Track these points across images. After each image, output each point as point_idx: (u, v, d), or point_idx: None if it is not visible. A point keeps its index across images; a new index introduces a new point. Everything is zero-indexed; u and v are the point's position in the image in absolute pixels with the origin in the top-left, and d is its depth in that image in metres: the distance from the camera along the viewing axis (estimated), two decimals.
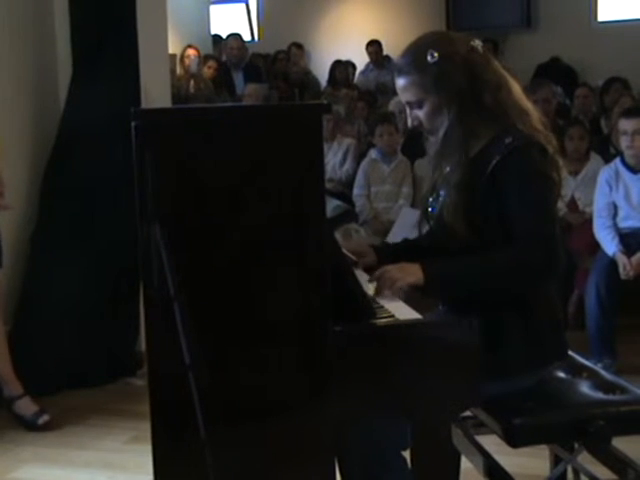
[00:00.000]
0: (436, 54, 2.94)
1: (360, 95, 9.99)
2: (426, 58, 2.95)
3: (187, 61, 10.48)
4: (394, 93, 9.14)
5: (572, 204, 6.38)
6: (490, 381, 2.81)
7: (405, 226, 6.51)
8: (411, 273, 2.92)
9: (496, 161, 2.90)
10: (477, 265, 2.93)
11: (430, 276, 2.91)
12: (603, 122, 8.66)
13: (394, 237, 6.73)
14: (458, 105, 2.95)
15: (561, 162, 3.05)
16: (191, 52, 10.55)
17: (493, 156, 2.91)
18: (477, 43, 3.03)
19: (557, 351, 3.13)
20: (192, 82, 10.23)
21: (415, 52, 3.01)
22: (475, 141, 3.00)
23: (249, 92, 9.47)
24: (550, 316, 3.07)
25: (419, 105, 3.02)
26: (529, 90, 7.34)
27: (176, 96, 8.59)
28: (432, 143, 3.12)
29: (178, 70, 10.60)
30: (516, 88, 3.07)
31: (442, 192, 3.06)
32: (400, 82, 3.05)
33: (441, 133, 3.01)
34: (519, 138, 2.92)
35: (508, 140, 2.92)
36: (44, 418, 5.01)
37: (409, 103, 3.05)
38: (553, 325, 3.08)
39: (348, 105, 9.56)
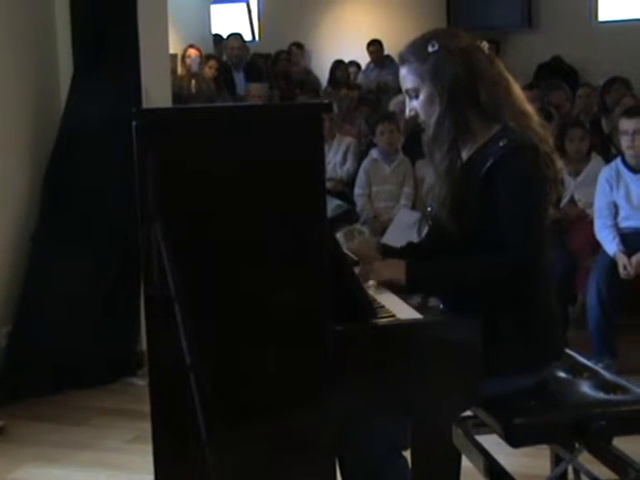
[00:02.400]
0: (437, 44, 2.99)
1: (360, 95, 9.99)
2: (427, 48, 3.00)
3: (188, 61, 10.48)
4: (395, 93, 9.21)
5: (572, 205, 6.36)
6: (489, 381, 2.82)
7: (401, 227, 6.51)
8: (393, 269, 3.02)
9: (490, 164, 2.92)
10: (458, 267, 3.00)
11: (411, 275, 2.99)
12: (604, 122, 8.66)
13: (389, 238, 6.72)
14: (451, 96, 2.98)
15: (559, 162, 3.06)
16: (192, 52, 10.55)
17: (487, 158, 2.94)
18: (483, 44, 3.06)
19: (554, 351, 3.13)
20: (193, 82, 10.23)
21: (418, 42, 3.06)
22: (469, 137, 3.04)
23: (252, 92, 9.48)
24: (548, 316, 3.07)
25: (416, 94, 3.06)
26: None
27: (177, 96, 8.59)
28: (426, 137, 3.14)
29: (179, 70, 10.60)
30: (517, 90, 3.08)
31: (437, 189, 3.09)
32: (402, 71, 3.10)
33: (433, 122, 3.03)
34: (513, 140, 2.93)
35: (503, 143, 2.94)
36: None
37: (408, 92, 3.10)
38: (550, 325, 3.09)
39: (348, 105, 9.55)
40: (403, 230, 6.07)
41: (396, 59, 3.23)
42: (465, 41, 3.03)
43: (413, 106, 3.09)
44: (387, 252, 3.31)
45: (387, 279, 3.05)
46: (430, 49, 2.99)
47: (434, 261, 3.06)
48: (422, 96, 3.04)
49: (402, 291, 3.07)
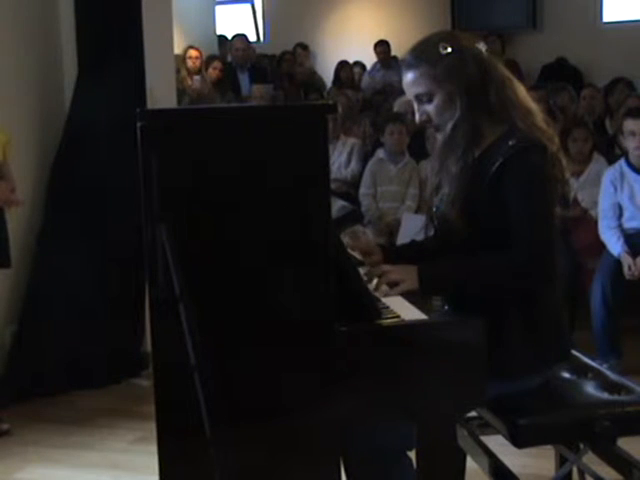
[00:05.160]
0: (449, 47, 2.96)
1: (364, 97, 9.98)
2: (438, 51, 2.96)
3: (189, 62, 10.47)
4: (400, 93, 9.19)
5: (575, 205, 6.35)
6: (494, 382, 2.82)
7: (409, 232, 6.50)
8: (407, 279, 2.92)
9: (499, 163, 2.90)
10: (469, 269, 2.96)
11: (424, 281, 2.92)
12: (608, 123, 8.65)
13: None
14: (469, 97, 2.96)
15: (564, 161, 3.05)
16: (193, 52, 10.52)
17: (496, 158, 2.92)
18: (482, 45, 3.05)
19: (560, 352, 3.12)
20: (194, 83, 10.21)
21: (425, 46, 3.02)
22: (479, 139, 3.02)
23: (256, 93, 9.47)
24: (553, 318, 3.06)
25: (429, 98, 3.02)
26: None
27: (180, 97, 8.58)
28: (439, 139, 3.11)
29: (182, 71, 10.58)
30: (521, 88, 3.07)
31: (445, 189, 3.07)
32: (409, 76, 3.04)
33: (449, 126, 3.01)
34: (522, 140, 2.92)
35: (512, 142, 2.92)
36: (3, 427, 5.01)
37: (418, 97, 3.04)
38: (556, 326, 3.08)
39: (353, 105, 9.55)
40: (411, 234, 6.06)
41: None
42: (470, 43, 3.02)
43: (425, 110, 3.04)
44: (390, 251, 3.29)
45: (405, 290, 2.95)
46: (442, 51, 2.96)
47: (444, 262, 3.04)
48: (437, 100, 3.00)
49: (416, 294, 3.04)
